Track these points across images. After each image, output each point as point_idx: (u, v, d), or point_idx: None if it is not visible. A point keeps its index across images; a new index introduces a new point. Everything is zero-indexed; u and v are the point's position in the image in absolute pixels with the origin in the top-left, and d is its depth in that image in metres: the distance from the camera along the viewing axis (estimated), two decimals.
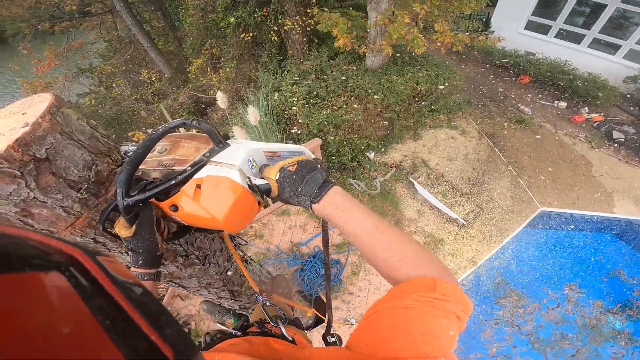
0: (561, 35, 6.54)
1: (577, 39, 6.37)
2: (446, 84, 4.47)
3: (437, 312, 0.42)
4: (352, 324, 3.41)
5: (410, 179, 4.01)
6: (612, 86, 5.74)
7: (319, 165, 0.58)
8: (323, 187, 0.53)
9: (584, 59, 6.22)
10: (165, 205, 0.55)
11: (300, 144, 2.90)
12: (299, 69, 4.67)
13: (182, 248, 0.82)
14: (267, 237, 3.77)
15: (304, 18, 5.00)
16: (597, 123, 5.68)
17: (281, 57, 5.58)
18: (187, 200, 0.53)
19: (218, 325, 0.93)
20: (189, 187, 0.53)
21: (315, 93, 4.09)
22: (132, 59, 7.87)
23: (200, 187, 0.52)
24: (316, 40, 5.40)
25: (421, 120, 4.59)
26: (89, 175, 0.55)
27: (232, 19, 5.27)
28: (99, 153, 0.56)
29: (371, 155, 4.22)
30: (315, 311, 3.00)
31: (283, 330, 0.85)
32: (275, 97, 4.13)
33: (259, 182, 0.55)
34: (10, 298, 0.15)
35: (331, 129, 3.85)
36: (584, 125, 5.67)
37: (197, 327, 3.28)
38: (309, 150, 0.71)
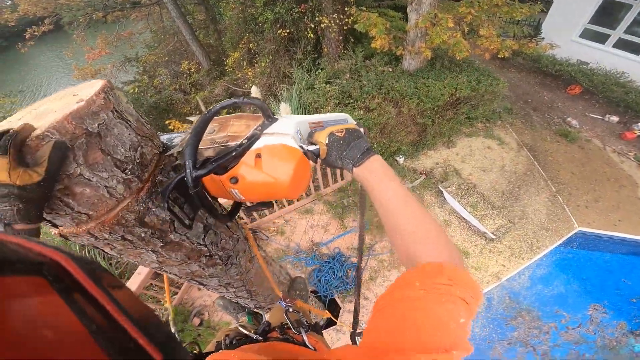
0: (620, 45, 6.02)
1: (637, 49, 5.86)
2: (487, 91, 4.28)
3: (443, 297, 0.40)
4: (362, 329, 3.42)
5: (440, 188, 3.90)
6: None
7: (363, 134, 0.62)
8: (365, 154, 0.57)
9: None
10: (225, 178, 0.57)
11: None
12: (334, 67, 4.65)
13: (206, 249, 0.81)
14: (289, 234, 3.84)
15: (341, 16, 4.97)
16: None
17: (316, 55, 5.59)
18: (248, 170, 0.55)
19: (239, 327, 0.95)
20: (248, 157, 0.55)
21: (348, 93, 4.07)
22: (174, 50, 8.22)
23: (260, 157, 0.55)
24: (352, 40, 5.35)
25: (456, 127, 4.44)
26: (135, 156, 0.55)
27: (270, 15, 5.34)
28: (144, 136, 0.57)
29: (401, 160, 4.15)
30: (328, 313, 3.03)
31: (305, 338, 0.85)
32: (308, 95, 4.16)
33: (310, 147, 0.59)
34: None
35: None
36: (635, 142, 5.23)
37: (209, 319, 3.38)
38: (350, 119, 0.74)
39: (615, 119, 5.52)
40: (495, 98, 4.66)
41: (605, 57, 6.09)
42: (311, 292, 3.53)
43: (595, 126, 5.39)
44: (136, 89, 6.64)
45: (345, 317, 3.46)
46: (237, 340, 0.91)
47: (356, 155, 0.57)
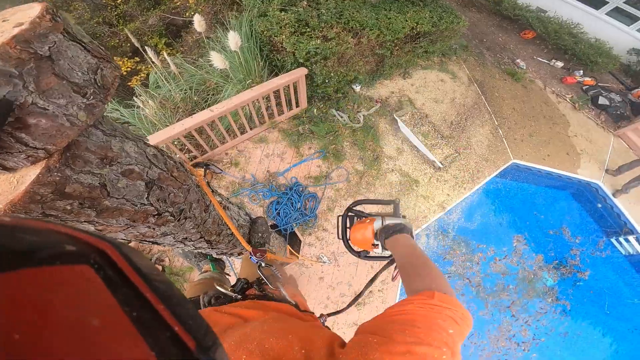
0: None
1: (597, 4, 6.15)
2: (447, 28, 4.24)
3: (436, 314, 0.49)
4: (325, 262, 3.55)
5: (394, 116, 3.98)
6: (614, 55, 5.72)
7: (404, 224, 0.89)
8: (396, 232, 0.84)
9: (597, 24, 6.06)
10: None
11: (282, 73, 2.76)
12: None
13: (153, 207, 0.74)
14: (243, 165, 3.72)
15: None
16: (587, 87, 5.74)
17: None
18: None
19: (216, 286, 0.90)
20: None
21: (305, 22, 3.78)
22: None
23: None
24: None
25: (413, 60, 4.43)
26: (95, 79, 0.51)
27: None
28: (101, 57, 0.53)
29: (357, 88, 4.10)
30: (289, 248, 3.08)
31: (284, 293, 0.85)
32: (261, 24, 3.81)
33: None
34: (42, 292, 0.15)
35: (319, 60, 3.64)
36: (573, 87, 5.69)
37: (170, 265, 3.31)
38: None
39: (560, 64, 5.90)
40: (454, 35, 4.66)
41: (563, 7, 6.32)
42: (270, 226, 3.56)
43: (540, 69, 5.73)
44: None
45: (307, 251, 3.57)
46: (216, 299, 0.91)
47: (390, 233, 0.85)
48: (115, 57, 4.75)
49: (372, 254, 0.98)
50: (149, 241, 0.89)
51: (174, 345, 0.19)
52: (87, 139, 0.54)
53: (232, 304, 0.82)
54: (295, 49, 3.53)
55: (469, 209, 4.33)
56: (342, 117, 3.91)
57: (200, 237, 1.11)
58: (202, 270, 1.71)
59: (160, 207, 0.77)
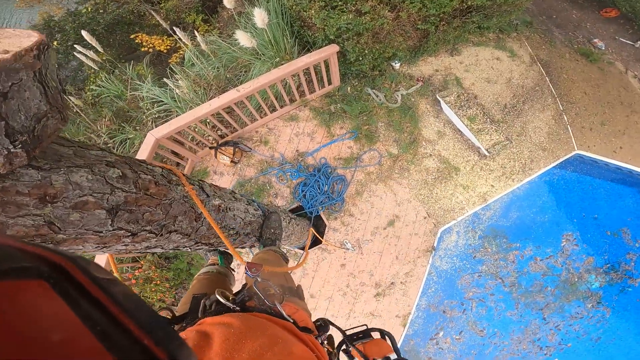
0: None
1: None
2: (506, 2, 3.71)
3: None
4: (348, 249, 3.41)
5: (437, 97, 3.61)
6: None
7: None
8: None
9: None
10: None
11: (314, 49, 2.57)
12: None
13: (124, 230, 0.68)
14: (272, 143, 3.65)
15: None
16: None
17: None
18: None
19: (217, 295, 0.85)
20: None
21: None
22: None
23: None
24: None
25: (464, 35, 3.95)
26: (35, 127, 0.47)
27: None
28: (55, 106, 0.51)
29: (397, 65, 3.77)
30: (313, 230, 2.96)
31: (280, 309, 0.81)
32: None
33: None
34: None
35: (351, 36, 3.38)
36: None
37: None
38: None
39: None
40: (515, 10, 4.06)
41: None
42: (296, 207, 3.47)
43: (623, 50, 4.83)
44: (90, 8, 5.87)
45: (331, 236, 3.45)
46: (217, 304, 0.89)
47: None
48: (154, 36, 4.89)
49: None
50: (133, 252, 0.85)
51: (144, 358, 0.18)
52: (15, 182, 0.48)
53: (227, 315, 0.77)
54: (325, 25, 3.32)
55: (513, 202, 3.83)
56: (377, 96, 3.64)
57: (196, 243, 1.06)
58: (209, 261, 1.68)
59: (133, 228, 0.70)
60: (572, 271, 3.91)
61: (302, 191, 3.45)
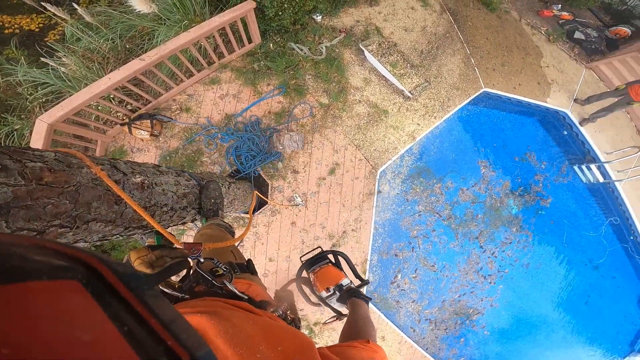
0: None
1: None
2: None
3: (370, 352, 0.70)
4: (299, 204, 3.42)
5: (360, 46, 3.70)
6: None
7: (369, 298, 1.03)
8: (364, 300, 0.98)
9: None
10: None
11: (225, 9, 2.33)
12: None
13: (26, 230, 0.59)
14: (195, 109, 3.39)
15: None
16: (564, 21, 5.65)
17: None
18: None
19: (160, 287, 0.74)
20: None
21: None
22: None
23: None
24: None
25: None
26: None
27: None
28: None
29: (318, 18, 3.75)
30: (257, 192, 2.86)
31: (232, 288, 0.77)
32: None
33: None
34: (29, 307, 0.15)
35: None
36: (549, 20, 5.52)
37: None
38: None
39: None
40: None
41: None
42: (234, 171, 3.34)
43: (517, 0, 5.47)
44: None
45: (277, 196, 3.38)
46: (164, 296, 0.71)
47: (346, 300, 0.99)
48: (19, 16, 4.15)
49: (327, 300, 1.02)
50: None
51: (168, 359, 0.18)
52: None
53: (180, 305, 0.69)
54: None
55: (435, 138, 4.21)
56: (302, 50, 3.60)
57: (126, 229, 0.94)
58: (147, 242, 1.53)
59: (38, 226, 0.62)
60: (494, 197, 4.41)
61: (237, 153, 3.29)
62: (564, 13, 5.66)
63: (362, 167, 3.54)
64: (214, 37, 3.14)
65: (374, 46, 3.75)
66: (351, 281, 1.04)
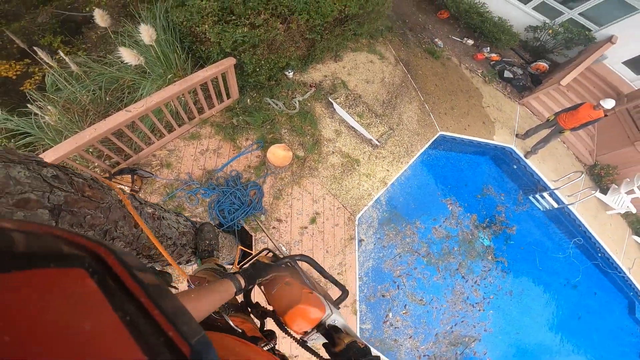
0: None
1: None
2: (374, 10, 4.37)
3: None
4: (284, 253, 3.50)
5: (330, 99, 4.03)
6: (514, 32, 6.47)
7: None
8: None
9: (499, 4, 6.73)
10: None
11: (208, 64, 2.54)
12: None
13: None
14: (176, 165, 3.45)
15: None
16: (494, 62, 6.49)
17: None
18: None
19: None
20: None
21: (230, 9, 3.54)
22: None
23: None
24: None
25: (343, 42, 4.50)
26: None
27: None
28: None
29: (290, 74, 4.05)
30: (241, 247, 2.92)
31: (229, 321, 0.80)
32: (179, 14, 3.49)
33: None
34: (34, 294, 0.15)
35: (248, 48, 3.47)
36: (483, 62, 6.37)
37: None
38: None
39: (471, 42, 6.54)
40: (380, 17, 4.83)
41: None
42: (216, 225, 3.33)
43: (455, 47, 6.29)
44: None
45: (260, 247, 3.41)
46: None
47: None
48: None
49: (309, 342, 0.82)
50: None
51: (168, 351, 0.19)
52: None
53: None
54: (220, 39, 3.31)
55: (404, 184, 4.57)
56: (277, 104, 3.83)
57: (138, 254, 1.02)
58: None
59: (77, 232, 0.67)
60: (465, 230, 4.73)
61: (219, 208, 3.35)
62: (493, 55, 6.55)
63: (340, 215, 3.77)
64: (195, 91, 3.24)
65: (342, 98, 4.11)
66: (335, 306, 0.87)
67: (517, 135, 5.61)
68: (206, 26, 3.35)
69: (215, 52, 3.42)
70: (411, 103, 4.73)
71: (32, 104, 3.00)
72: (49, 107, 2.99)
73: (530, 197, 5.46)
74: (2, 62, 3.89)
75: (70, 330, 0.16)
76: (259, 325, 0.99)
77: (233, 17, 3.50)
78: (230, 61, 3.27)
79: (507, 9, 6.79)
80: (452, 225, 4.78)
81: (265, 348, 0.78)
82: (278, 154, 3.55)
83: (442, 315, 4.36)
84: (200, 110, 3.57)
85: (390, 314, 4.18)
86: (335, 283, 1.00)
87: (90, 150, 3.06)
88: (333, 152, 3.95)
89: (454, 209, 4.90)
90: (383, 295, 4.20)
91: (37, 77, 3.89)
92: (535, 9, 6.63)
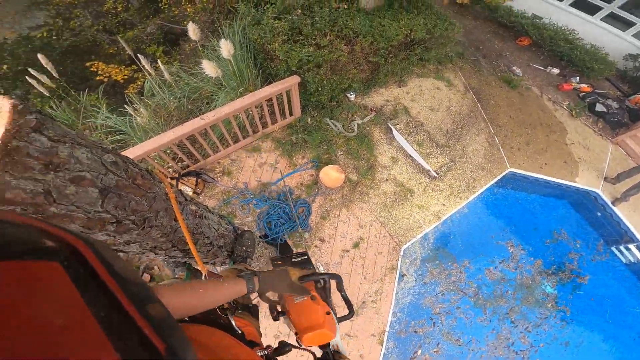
0: (576, 4, 6.28)
1: (592, 10, 6.17)
2: (442, 35, 4.24)
3: None
4: (320, 271, 3.47)
5: (389, 125, 3.93)
6: (610, 61, 5.68)
7: None
8: None
9: (592, 30, 6.07)
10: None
11: (275, 80, 2.69)
12: (284, 2, 4.28)
13: (110, 215, 0.71)
14: (235, 174, 3.67)
15: None
16: (584, 94, 5.71)
17: None
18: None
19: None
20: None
21: (299, 29, 3.77)
22: None
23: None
24: None
25: (409, 67, 4.40)
26: None
27: None
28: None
29: (352, 96, 4.07)
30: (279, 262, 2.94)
31: (232, 321, 0.82)
32: (254, 32, 3.81)
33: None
34: (4, 288, 0.15)
35: (312, 67, 3.62)
36: (570, 94, 5.66)
37: (161, 272, 3.23)
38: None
39: (556, 71, 5.88)
40: (448, 42, 4.65)
41: (559, 14, 6.36)
42: (262, 236, 3.47)
43: (537, 76, 5.70)
44: (45, 33, 5.66)
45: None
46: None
47: None
48: (112, 65, 4.77)
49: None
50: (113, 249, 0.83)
51: (143, 348, 0.18)
52: (28, 144, 0.52)
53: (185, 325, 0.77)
54: (287, 57, 3.51)
55: (461, 221, 4.23)
56: (336, 125, 3.87)
57: (173, 246, 1.07)
58: (177, 276, 1.65)
59: (119, 214, 0.74)
60: (525, 274, 4.26)
61: (267, 219, 3.47)
62: (583, 85, 5.74)
63: (386, 243, 3.61)
64: (262, 105, 3.48)
65: (402, 125, 3.97)
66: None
67: (606, 179, 4.80)
68: (276, 44, 3.58)
69: (283, 70, 3.63)
70: (479, 135, 4.36)
71: (129, 106, 3.52)
72: (142, 109, 3.44)
73: (613, 248, 4.68)
74: (115, 66, 4.63)
75: (42, 326, 0.15)
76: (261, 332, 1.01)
77: (301, 37, 3.69)
78: (295, 79, 3.43)
79: (600, 35, 6.02)
80: (510, 269, 4.28)
81: (260, 354, 0.77)
82: (331, 175, 3.56)
83: (479, 358, 3.92)
84: (264, 125, 3.78)
85: (420, 351, 3.87)
86: (347, 302, 1.04)
87: (168, 151, 3.43)
88: (387, 180, 3.81)
89: (515, 252, 4.36)
90: (415, 331, 3.89)
91: (139, 82, 4.55)
92: (635, 35, 5.74)
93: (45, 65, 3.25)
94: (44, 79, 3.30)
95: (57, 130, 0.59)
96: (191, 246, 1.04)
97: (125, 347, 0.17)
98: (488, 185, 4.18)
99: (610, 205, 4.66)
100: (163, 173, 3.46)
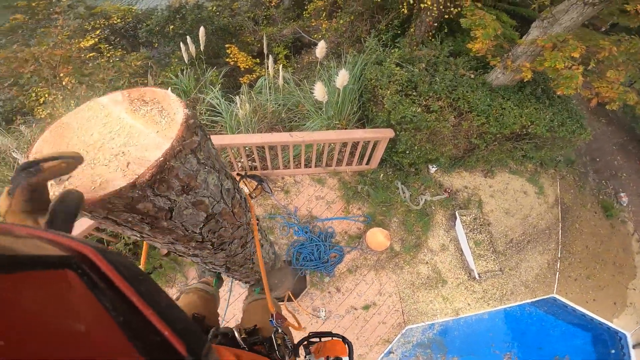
0: None
1: None
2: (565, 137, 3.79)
3: None
4: (320, 317, 3.50)
5: (456, 213, 3.86)
6: None
7: None
8: None
9: None
10: None
11: (369, 126, 3.43)
12: (412, 51, 4.04)
13: (200, 236, 0.72)
14: (292, 195, 3.82)
15: (448, 3, 4.08)
16: None
17: (399, 32, 4.83)
18: None
19: (233, 329, 0.96)
20: None
21: (415, 84, 3.58)
22: None
23: None
24: (446, 29, 4.46)
25: (505, 160, 4.09)
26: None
27: None
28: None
29: (433, 169, 3.97)
30: (290, 293, 3.01)
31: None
32: (372, 70, 3.70)
33: None
34: (22, 298, 0.15)
35: (410, 129, 3.51)
36: None
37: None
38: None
39: None
40: (568, 145, 4.13)
41: None
42: (285, 261, 3.48)
43: None
44: (214, 8, 6.22)
45: (306, 301, 3.55)
46: (223, 336, 0.96)
47: None
48: (243, 53, 5.26)
49: None
50: (176, 253, 0.87)
51: (165, 350, 0.19)
52: (182, 165, 0.52)
53: (249, 353, 0.85)
54: (393, 109, 3.43)
55: (472, 322, 4.17)
56: (404, 192, 3.87)
57: (223, 265, 1.13)
58: (203, 279, 1.75)
59: (206, 236, 0.74)
60: None
61: (299, 250, 3.57)
62: None
63: (394, 317, 3.68)
64: (346, 144, 3.55)
65: (469, 218, 3.88)
66: None
67: None
68: (388, 92, 3.52)
69: (381, 119, 3.59)
70: (542, 255, 4.12)
71: (239, 96, 3.73)
72: (246, 104, 3.60)
73: None
74: (245, 55, 5.13)
75: (65, 332, 0.16)
76: None
77: (414, 93, 3.57)
78: (389, 133, 3.42)
79: None
80: None
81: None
82: (378, 238, 3.69)
83: None
84: (339, 162, 3.89)
85: None
86: None
87: (247, 148, 3.70)
88: (427, 262, 3.86)
89: None
90: None
91: (255, 75, 4.87)
92: None
93: (200, 37, 3.64)
94: (192, 47, 3.70)
95: (205, 151, 0.60)
96: (264, 278, 1.14)
97: (147, 350, 0.18)
98: (523, 302, 4.07)
99: (630, 347, 4.36)
100: (250, 195, 3.65)
